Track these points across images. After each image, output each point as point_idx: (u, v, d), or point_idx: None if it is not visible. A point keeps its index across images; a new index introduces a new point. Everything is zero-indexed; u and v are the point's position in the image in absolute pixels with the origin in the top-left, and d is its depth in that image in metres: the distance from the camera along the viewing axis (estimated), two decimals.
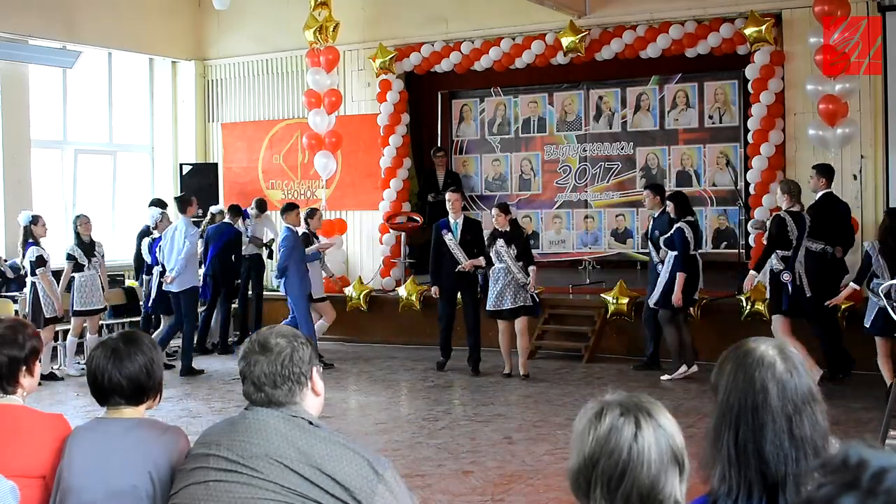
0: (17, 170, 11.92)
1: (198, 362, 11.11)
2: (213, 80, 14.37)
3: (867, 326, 7.97)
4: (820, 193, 8.82)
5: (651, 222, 9.70)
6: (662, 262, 9.30)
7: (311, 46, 12.13)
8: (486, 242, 9.71)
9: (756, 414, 1.89)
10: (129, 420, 2.77)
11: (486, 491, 5.95)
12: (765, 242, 8.71)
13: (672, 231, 9.13)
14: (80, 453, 2.72)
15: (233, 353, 11.57)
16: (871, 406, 7.76)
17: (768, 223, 8.72)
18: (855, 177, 10.16)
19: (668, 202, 9.36)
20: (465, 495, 5.87)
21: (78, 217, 10.47)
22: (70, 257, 10.24)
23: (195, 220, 10.99)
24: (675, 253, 9.09)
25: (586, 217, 12.55)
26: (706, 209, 11.90)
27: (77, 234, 10.28)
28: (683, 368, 9.22)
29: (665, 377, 9.23)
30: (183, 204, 10.52)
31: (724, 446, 1.91)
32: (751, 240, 10.51)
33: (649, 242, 9.67)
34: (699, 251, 9.39)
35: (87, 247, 10.30)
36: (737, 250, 11.29)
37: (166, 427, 2.77)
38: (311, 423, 2.44)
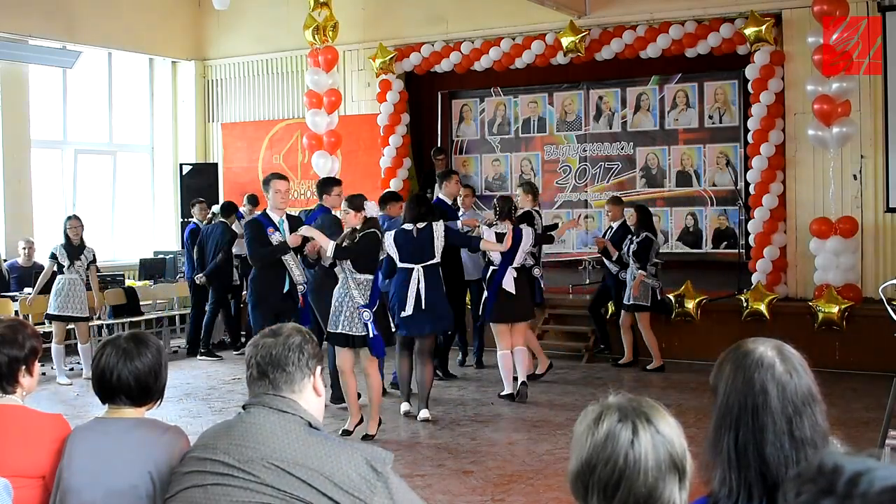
0: (17, 170, 11.92)
1: (198, 362, 11.13)
2: (213, 80, 14.37)
3: (645, 304, 9.48)
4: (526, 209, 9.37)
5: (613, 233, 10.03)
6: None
7: (311, 46, 12.12)
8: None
9: (756, 415, 1.88)
10: (130, 420, 2.77)
11: (486, 491, 5.95)
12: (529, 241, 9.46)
13: None
14: (80, 453, 2.72)
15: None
16: (871, 406, 7.76)
17: (537, 228, 9.36)
18: (855, 177, 10.16)
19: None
20: (465, 495, 5.87)
21: (69, 219, 9.97)
22: (52, 256, 9.82)
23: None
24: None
25: (586, 217, 12.53)
26: (706, 209, 11.89)
27: (66, 236, 9.82)
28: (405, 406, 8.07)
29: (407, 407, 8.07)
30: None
31: (725, 448, 1.90)
32: (751, 240, 10.52)
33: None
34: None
35: (74, 249, 9.80)
36: (737, 250, 11.28)
37: (167, 427, 2.77)
38: (309, 424, 2.43)
